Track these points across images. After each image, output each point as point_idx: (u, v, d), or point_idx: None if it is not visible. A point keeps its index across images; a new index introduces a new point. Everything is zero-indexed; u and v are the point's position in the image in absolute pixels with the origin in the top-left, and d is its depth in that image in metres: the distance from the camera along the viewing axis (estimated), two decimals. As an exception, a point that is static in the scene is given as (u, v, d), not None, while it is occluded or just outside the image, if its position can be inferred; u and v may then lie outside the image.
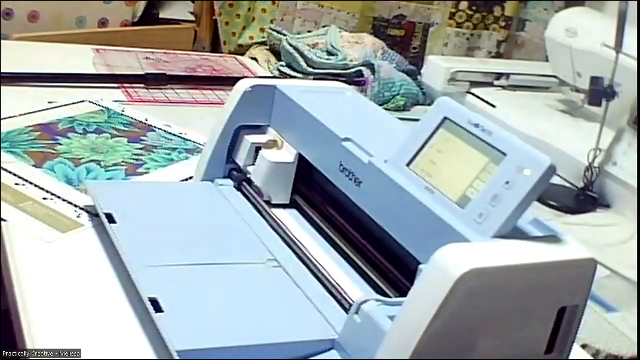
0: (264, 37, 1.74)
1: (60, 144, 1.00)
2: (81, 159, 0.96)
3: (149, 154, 1.01)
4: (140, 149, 1.03)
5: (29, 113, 1.08)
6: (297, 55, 1.49)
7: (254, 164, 0.86)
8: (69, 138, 1.02)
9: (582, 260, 0.62)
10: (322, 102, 0.84)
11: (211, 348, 0.61)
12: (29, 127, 1.03)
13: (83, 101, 1.16)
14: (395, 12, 1.88)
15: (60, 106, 1.12)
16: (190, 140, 1.08)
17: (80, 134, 1.04)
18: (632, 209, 1.19)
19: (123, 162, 0.98)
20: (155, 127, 1.11)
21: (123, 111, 1.15)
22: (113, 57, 1.40)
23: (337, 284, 0.71)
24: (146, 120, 1.13)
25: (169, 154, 1.03)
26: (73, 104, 1.14)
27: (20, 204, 0.82)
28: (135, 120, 1.13)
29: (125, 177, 0.94)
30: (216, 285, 0.70)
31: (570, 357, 0.64)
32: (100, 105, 1.15)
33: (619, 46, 1.21)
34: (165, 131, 1.10)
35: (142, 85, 1.28)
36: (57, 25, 1.86)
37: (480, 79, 1.58)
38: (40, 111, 1.10)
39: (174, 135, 1.09)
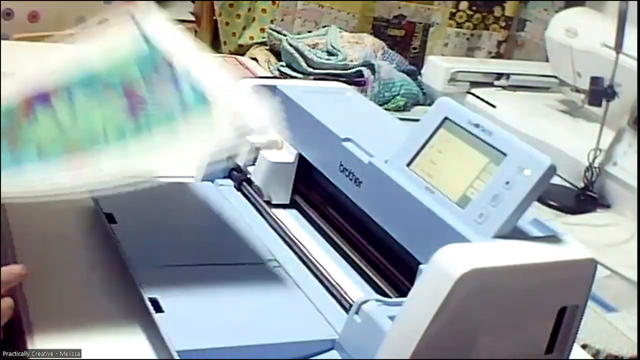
0: (264, 37, 1.74)
1: (28, 122, 0.70)
2: (26, 140, 0.68)
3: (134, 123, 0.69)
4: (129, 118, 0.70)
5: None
6: (297, 55, 1.49)
7: (254, 164, 0.86)
8: (47, 108, 0.71)
9: (582, 260, 0.62)
10: (322, 102, 0.84)
11: (211, 348, 0.61)
12: (22, 99, 0.73)
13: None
14: (395, 12, 1.88)
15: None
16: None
17: (72, 99, 0.72)
18: (632, 209, 1.19)
19: (76, 143, 0.67)
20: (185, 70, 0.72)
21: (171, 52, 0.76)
22: (113, 57, 1.40)
23: (337, 284, 0.71)
24: (187, 71, 0.74)
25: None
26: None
27: None
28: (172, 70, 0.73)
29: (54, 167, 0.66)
30: (216, 285, 0.70)
31: (570, 357, 0.64)
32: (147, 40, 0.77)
33: (619, 46, 1.21)
34: (194, 87, 0.70)
35: (142, 85, 1.27)
36: (57, 25, 1.85)
37: (480, 79, 1.58)
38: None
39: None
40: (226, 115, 0.66)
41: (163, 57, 0.74)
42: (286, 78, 1.47)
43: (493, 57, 1.97)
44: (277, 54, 1.61)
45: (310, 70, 1.47)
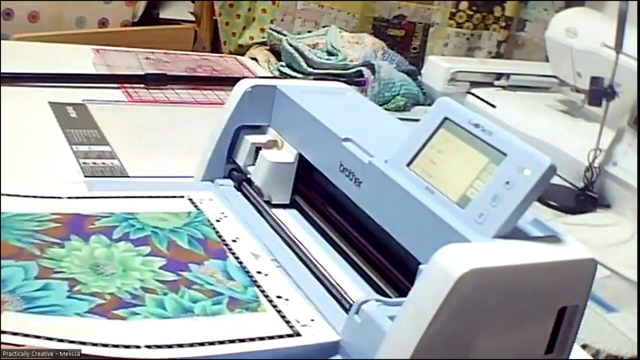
0: (264, 37, 1.75)
1: (61, 247, 0.69)
2: (59, 272, 0.66)
3: (175, 292, 0.66)
4: (170, 283, 0.67)
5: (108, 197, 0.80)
6: (297, 55, 1.49)
7: (254, 164, 0.86)
8: (84, 241, 0.71)
9: (582, 260, 0.62)
10: (322, 102, 0.84)
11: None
12: (55, 214, 0.74)
13: (182, 197, 0.83)
14: (395, 12, 1.88)
15: (154, 197, 0.83)
16: (262, 291, 0.69)
17: (112, 239, 0.72)
18: (632, 209, 1.19)
19: (111, 293, 0.64)
20: (234, 255, 0.74)
21: (218, 220, 0.80)
22: (113, 57, 1.40)
23: (337, 284, 0.71)
24: (234, 240, 0.76)
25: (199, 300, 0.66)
26: (171, 197, 0.83)
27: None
28: (219, 238, 0.76)
29: (85, 313, 0.61)
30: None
31: (570, 357, 0.64)
32: (196, 207, 0.81)
33: (619, 46, 1.21)
34: (241, 264, 0.72)
35: (142, 85, 1.28)
36: (57, 25, 1.86)
37: (480, 79, 1.59)
38: (121, 197, 0.81)
39: (246, 272, 0.71)
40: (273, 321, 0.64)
41: (216, 238, 0.75)
42: (286, 78, 1.47)
43: (493, 57, 1.98)
44: (277, 54, 1.61)
45: (310, 70, 1.47)
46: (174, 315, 0.63)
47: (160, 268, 0.69)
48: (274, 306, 0.66)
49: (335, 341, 0.63)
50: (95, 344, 0.56)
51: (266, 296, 0.68)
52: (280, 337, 0.62)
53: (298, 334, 0.63)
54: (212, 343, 0.59)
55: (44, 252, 0.68)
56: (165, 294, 0.65)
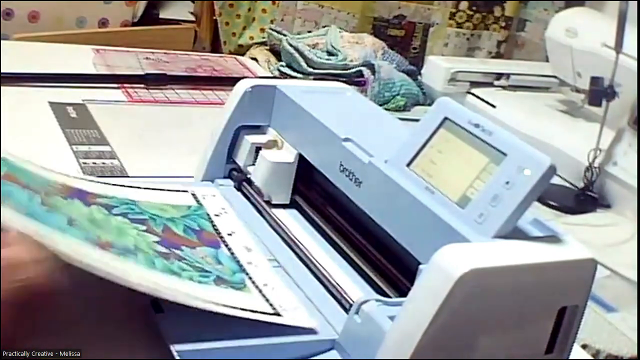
0: (264, 37, 1.75)
1: (63, 199, 0.69)
2: (60, 212, 0.65)
3: (165, 259, 0.67)
4: (161, 252, 0.67)
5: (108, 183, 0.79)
6: (297, 55, 1.49)
7: (254, 164, 0.86)
8: (85, 205, 0.71)
9: (582, 260, 0.62)
10: (322, 102, 0.84)
11: (211, 348, 0.61)
12: (61, 184, 0.73)
13: (185, 191, 0.82)
14: (395, 12, 1.88)
15: (158, 189, 0.81)
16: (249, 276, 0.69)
17: (111, 213, 0.72)
18: (632, 209, 1.19)
19: (107, 240, 0.64)
20: (227, 246, 0.74)
21: (217, 215, 0.79)
22: (113, 57, 1.40)
23: (337, 284, 0.71)
24: (229, 234, 0.76)
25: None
26: (175, 191, 0.82)
27: None
28: (216, 231, 0.76)
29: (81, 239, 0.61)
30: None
31: (570, 357, 0.64)
32: (198, 201, 0.81)
33: (619, 46, 1.21)
34: (232, 254, 0.72)
35: (142, 85, 1.28)
36: (57, 25, 1.86)
37: (480, 79, 1.59)
38: (125, 186, 0.79)
39: (237, 261, 0.71)
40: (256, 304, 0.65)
41: (211, 231, 0.76)
42: (286, 78, 1.47)
43: (493, 57, 1.98)
44: (277, 54, 1.61)
45: (310, 70, 1.47)
46: (162, 272, 0.64)
47: (154, 242, 0.69)
48: (260, 291, 0.67)
49: (311, 328, 0.64)
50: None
51: (253, 282, 0.68)
52: (263, 314, 0.63)
53: (278, 314, 0.64)
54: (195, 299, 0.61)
55: (48, 195, 0.67)
56: (156, 257, 0.66)
